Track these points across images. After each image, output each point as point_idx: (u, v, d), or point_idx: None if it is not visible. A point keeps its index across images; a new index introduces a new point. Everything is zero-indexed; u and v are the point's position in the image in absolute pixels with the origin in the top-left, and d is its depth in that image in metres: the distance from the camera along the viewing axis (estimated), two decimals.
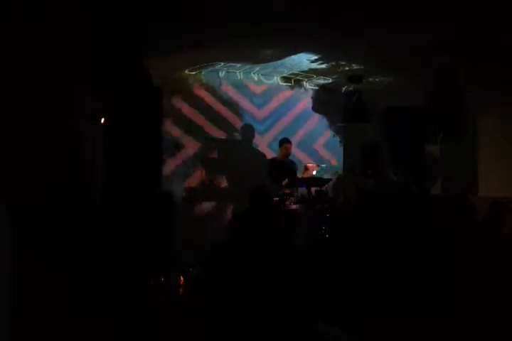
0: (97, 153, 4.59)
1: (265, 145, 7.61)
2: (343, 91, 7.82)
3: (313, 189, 6.69)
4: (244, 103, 7.55)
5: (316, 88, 7.89)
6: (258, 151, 7.61)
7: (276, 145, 7.28)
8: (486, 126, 7.01)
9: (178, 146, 6.86)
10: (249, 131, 7.55)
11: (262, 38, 5.60)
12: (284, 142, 7.06)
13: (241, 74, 7.42)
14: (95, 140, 4.46)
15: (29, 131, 3.33)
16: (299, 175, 6.93)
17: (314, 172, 6.76)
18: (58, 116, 3.65)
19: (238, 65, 7.07)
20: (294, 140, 7.42)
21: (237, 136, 7.50)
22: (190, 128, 7.04)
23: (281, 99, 7.78)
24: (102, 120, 4.52)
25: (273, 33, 5.30)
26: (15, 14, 3.06)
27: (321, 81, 7.69)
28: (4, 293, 2.90)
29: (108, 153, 4.68)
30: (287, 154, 7.04)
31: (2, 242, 2.90)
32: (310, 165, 6.94)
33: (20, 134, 3.23)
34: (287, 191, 6.69)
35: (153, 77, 5.54)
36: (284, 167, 6.92)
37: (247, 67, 7.15)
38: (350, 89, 7.41)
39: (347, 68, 6.84)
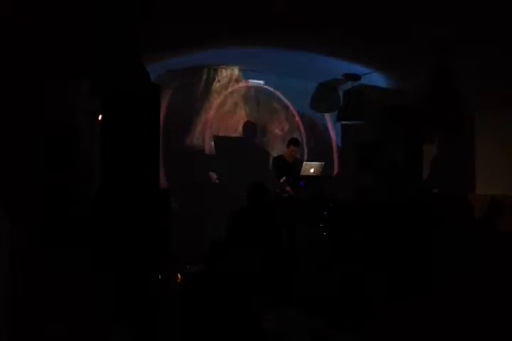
0: (95, 151, 4.58)
1: None
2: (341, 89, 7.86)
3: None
4: None
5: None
6: (262, 149, 7.63)
7: None
8: (483, 124, 7.02)
9: None
10: (252, 128, 7.59)
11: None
12: (290, 143, 7.01)
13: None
14: (93, 137, 4.45)
15: (26, 128, 3.33)
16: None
17: (312, 170, 6.76)
18: (56, 112, 3.64)
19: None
20: None
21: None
22: None
23: None
24: (100, 117, 4.51)
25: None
26: (13, 10, 3.06)
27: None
28: (3, 293, 2.89)
29: (106, 151, 4.66)
30: (292, 155, 7.00)
31: (1, 242, 2.90)
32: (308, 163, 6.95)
33: (17, 131, 3.22)
34: (287, 189, 6.71)
35: (153, 75, 5.56)
36: (288, 166, 6.92)
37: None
38: (349, 87, 7.43)
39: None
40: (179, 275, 4.39)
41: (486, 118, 6.96)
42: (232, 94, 7.56)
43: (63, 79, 3.73)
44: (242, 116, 7.62)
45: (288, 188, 6.74)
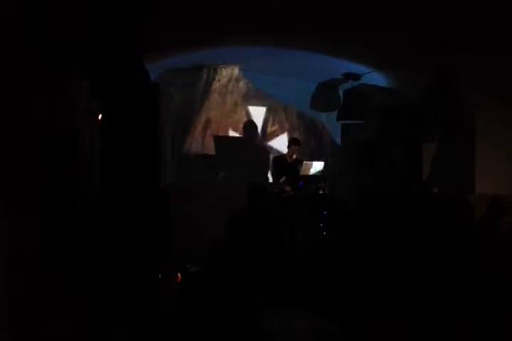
0: (95, 151, 4.58)
1: None
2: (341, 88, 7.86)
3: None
4: None
5: None
6: (262, 149, 7.63)
7: None
8: (484, 124, 7.02)
9: None
10: (252, 128, 7.58)
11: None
12: (291, 143, 7.02)
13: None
14: (93, 137, 4.46)
15: (26, 128, 3.33)
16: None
17: (312, 170, 6.76)
18: (56, 112, 3.64)
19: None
20: None
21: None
22: None
23: None
24: (100, 117, 4.51)
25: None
26: (13, 10, 3.06)
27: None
28: (3, 293, 2.89)
29: (106, 150, 4.66)
30: (292, 155, 6.99)
31: (1, 242, 2.90)
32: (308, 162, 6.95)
33: (17, 130, 3.22)
34: (287, 189, 6.71)
35: (152, 74, 5.56)
36: (288, 166, 6.91)
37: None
38: (349, 87, 7.43)
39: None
40: (179, 275, 4.39)
41: (486, 118, 6.96)
42: (232, 93, 7.55)
43: (63, 79, 3.73)
44: (242, 116, 7.62)
45: (288, 188, 6.74)
